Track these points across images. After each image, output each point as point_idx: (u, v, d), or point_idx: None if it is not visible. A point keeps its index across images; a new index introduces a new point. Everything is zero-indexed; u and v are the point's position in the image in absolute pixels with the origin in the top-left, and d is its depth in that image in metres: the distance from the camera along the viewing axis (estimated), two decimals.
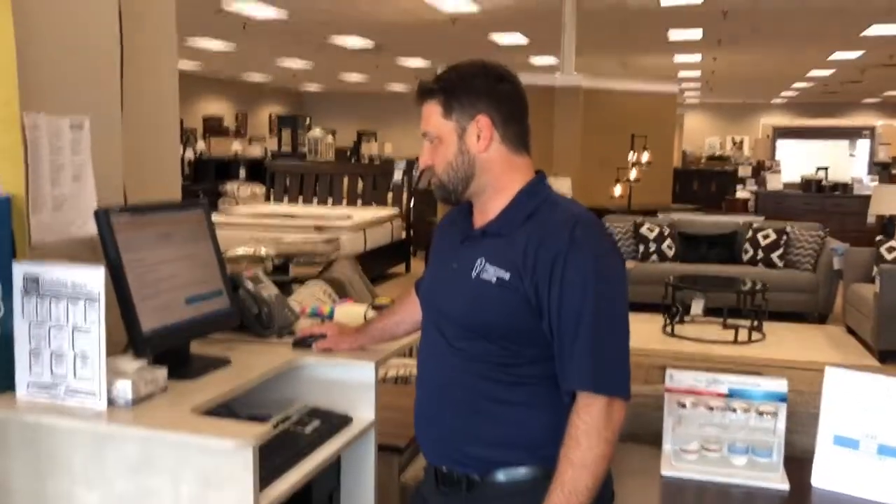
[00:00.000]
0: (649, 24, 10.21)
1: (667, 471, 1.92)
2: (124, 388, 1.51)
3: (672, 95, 9.76)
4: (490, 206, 1.53)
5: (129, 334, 1.64)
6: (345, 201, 10.65)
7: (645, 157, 8.61)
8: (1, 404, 1.53)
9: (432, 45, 12.44)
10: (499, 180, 1.52)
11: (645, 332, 6.58)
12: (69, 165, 1.75)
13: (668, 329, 6.77)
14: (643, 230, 7.65)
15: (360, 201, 10.71)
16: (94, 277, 1.48)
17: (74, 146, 1.76)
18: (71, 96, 1.77)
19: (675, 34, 11.06)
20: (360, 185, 10.99)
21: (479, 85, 1.51)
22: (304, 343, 1.96)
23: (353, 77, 17.97)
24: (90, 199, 1.80)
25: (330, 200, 10.57)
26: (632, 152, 8.65)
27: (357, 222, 8.91)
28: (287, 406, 1.90)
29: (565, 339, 1.40)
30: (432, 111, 1.53)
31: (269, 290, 2.16)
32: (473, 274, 1.48)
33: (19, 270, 1.54)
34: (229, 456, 1.40)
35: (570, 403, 1.41)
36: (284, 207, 10.13)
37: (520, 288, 1.43)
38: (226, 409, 1.70)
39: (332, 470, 1.93)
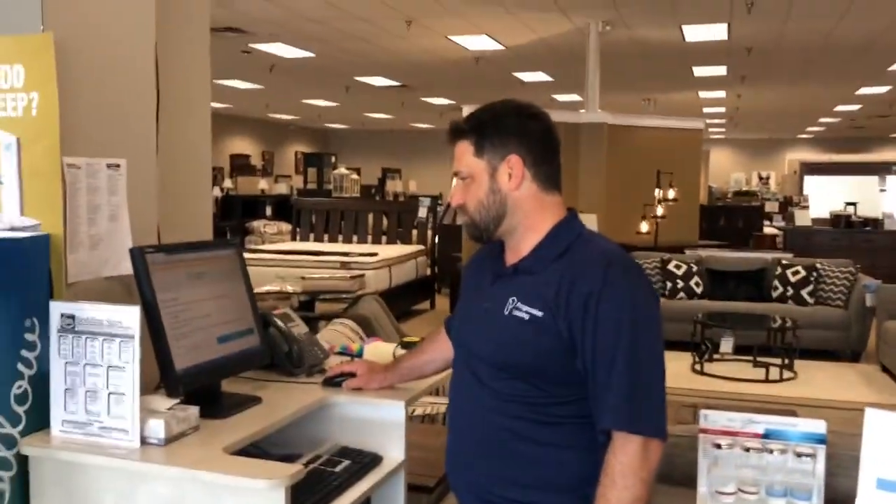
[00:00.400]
0: (674, 60, 10.26)
1: None
2: (157, 427, 1.52)
3: (698, 131, 9.73)
4: (522, 244, 1.54)
5: (162, 373, 1.65)
6: (370, 238, 10.72)
7: (671, 193, 8.57)
8: (36, 441, 1.55)
9: (457, 83, 12.58)
10: (530, 218, 1.53)
11: (673, 370, 6.43)
12: (106, 206, 1.78)
13: (697, 367, 6.67)
14: (670, 267, 7.60)
15: (384, 238, 10.77)
16: (130, 316, 1.50)
17: (111, 187, 1.80)
18: (108, 139, 1.81)
19: (700, 71, 11.09)
20: (385, 222, 11.05)
21: (510, 124, 1.53)
22: (334, 382, 1.96)
23: (378, 115, 18.19)
24: (125, 239, 1.82)
25: (355, 238, 10.64)
26: (657, 189, 8.62)
27: (382, 259, 8.94)
28: (317, 445, 1.90)
29: (600, 378, 1.39)
30: (464, 150, 1.54)
31: (299, 328, 2.17)
32: (505, 312, 1.48)
33: (56, 309, 1.56)
34: (262, 496, 1.39)
35: (606, 443, 1.39)
36: (310, 245, 10.20)
37: (553, 326, 1.42)
38: (256, 449, 1.70)
39: None
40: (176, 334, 1.66)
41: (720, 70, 10.99)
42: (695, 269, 7.57)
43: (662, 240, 8.65)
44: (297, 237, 10.99)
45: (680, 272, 7.56)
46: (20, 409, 1.54)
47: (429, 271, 10.33)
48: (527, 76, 11.78)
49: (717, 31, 8.51)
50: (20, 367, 1.55)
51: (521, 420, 1.47)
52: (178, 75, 2.18)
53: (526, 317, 1.45)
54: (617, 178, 8.81)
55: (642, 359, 1.40)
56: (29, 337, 1.56)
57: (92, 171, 1.74)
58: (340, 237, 10.75)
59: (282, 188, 17.73)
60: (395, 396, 1.92)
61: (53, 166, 1.60)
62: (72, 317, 1.54)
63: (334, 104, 15.95)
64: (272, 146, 20.29)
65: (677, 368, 6.60)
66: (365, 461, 1.83)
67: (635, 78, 11.67)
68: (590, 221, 7.45)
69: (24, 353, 1.55)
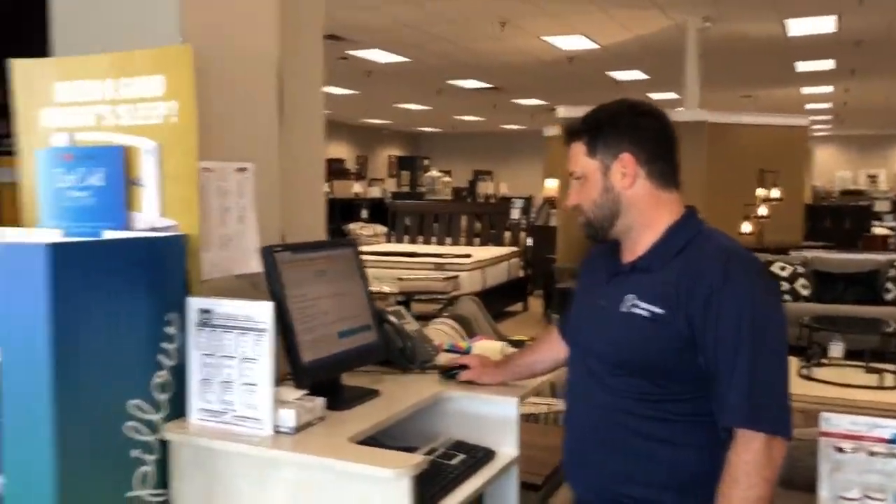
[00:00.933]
0: (776, 56, 9.92)
1: None
2: (288, 417, 1.60)
3: (802, 129, 9.37)
4: (639, 241, 1.54)
5: (290, 365, 1.73)
6: (463, 240, 10.80)
7: (774, 192, 8.29)
8: (175, 428, 1.65)
9: (549, 83, 12.53)
10: (646, 216, 1.53)
11: None
12: (235, 207, 1.88)
13: (805, 372, 6.42)
14: (774, 268, 7.35)
15: (477, 240, 10.83)
16: (263, 311, 1.59)
17: (240, 189, 1.90)
18: (236, 144, 1.92)
19: (804, 66, 10.67)
20: (478, 224, 11.11)
21: (622, 123, 1.54)
22: (449, 373, 2.01)
23: (469, 118, 18.29)
24: (253, 239, 1.92)
25: (448, 240, 10.74)
26: (760, 188, 8.36)
27: (476, 261, 8.99)
28: (432, 439, 1.95)
29: (722, 375, 1.38)
30: (578, 151, 1.56)
31: (411, 325, 2.23)
32: (622, 309, 1.49)
33: (194, 304, 1.66)
34: (388, 485, 1.45)
35: (727, 440, 1.38)
36: (405, 247, 10.37)
37: (672, 323, 1.42)
38: (373, 441, 1.76)
39: (476, 503, 1.95)
40: (302, 329, 1.74)
41: (827, 64, 10.54)
42: (800, 270, 7.30)
43: (766, 241, 8.37)
44: (392, 239, 11.19)
45: (785, 274, 7.31)
46: (161, 398, 1.65)
47: (521, 273, 10.33)
48: (621, 75, 11.61)
49: (824, 24, 8.18)
50: (161, 358, 1.66)
51: (637, 417, 1.47)
52: (295, 83, 2.28)
53: (646, 314, 1.45)
54: (717, 178, 8.58)
55: (765, 355, 1.38)
56: (169, 330, 1.67)
57: (223, 174, 1.84)
58: (434, 239, 10.88)
59: (375, 191, 18.05)
60: (509, 393, 1.95)
61: (190, 170, 1.71)
62: (208, 311, 1.64)
63: (426, 108, 16.15)
64: (366, 150, 20.69)
65: None
66: (479, 456, 1.87)
67: (734, 74, 11.33)
68: None
69: (165, 345, 1.66)
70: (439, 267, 8.63)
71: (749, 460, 1.35)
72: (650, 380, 1.45)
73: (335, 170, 18.28)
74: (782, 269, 7.33)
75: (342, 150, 19.60)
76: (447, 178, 16.78)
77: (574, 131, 1.58)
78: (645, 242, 1.52)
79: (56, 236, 1.79)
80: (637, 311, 1.46)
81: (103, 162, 1.77)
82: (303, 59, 2.42)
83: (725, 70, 10.69)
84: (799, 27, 8.33)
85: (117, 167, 1.75)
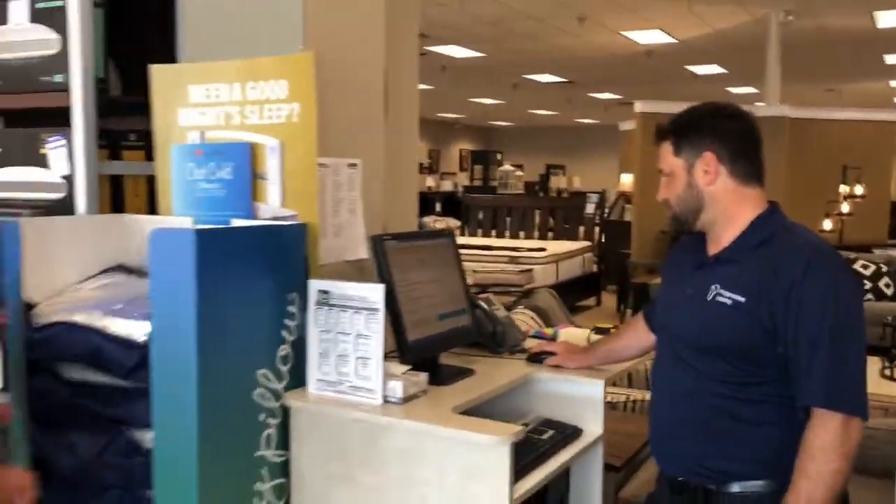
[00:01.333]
0: (863, 48, 9.66)
1: None
2: (396, 388, 1.77)
3: (890, 123, 9.11)
4: (723, 234, 1.65)
5: (397, 343, 1.91)
6: (536, 234, 10.89)
7: (858, 189, 8.11)
8: (296, 396, 1.85)
9: (625, 77, 12.48)
10: (728, 211, 1.64)
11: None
12: (346, 199, 2.07)
13: (887, 372, 6.31)
14: (857, 267, 7.21)
15: (550, 234, 10.90)
16: (376, 293, 1.77)
17: (350, 183, 2.08)
18: (348, 142, 2.10)
19: (894, 59, 10.35)
20: (551, 218, 11.17)
21: (705, 125, 1.65)
22: (536, 358, 2.15)
23: (543, 111, 18.31)
24: (361, 228, 2.10)
25: (521, 233, 10.84)
26: (843, 185, 8.19)
27: (550, 255, 9.09)
28: (522, 416, 2.10)
29: (802, 358, 1.48)
30: (666, 150, 1.69)
31: (501, 311, 2.38)
32: (708, 298, 1.60)
33: (314, 286, 1.85)
34: (489, 450, 1.60)
35: (805, 419, 1.48)
36: (479, 240, 10.52)
37: (754, 311, 1.53)
38: (470, 415, 1.92)
39: (563, 478, 2.09)
40: (408, 310, 1.91)
41: None
42: (884, 269, 7.15)
43: (848, 238, 8.21)
44: (466, 233, 11.36)
45: (868, 272, 7.17)
46: (284, 369, 1.85)
47: (595, 268, 10.36)
48: (700, 69, 11.49)
49: None
50: (284, 333, 1.85)
51: (721, 398, 1.58)
52: (393, 82, 2.45)
53: (729, 302, 1.56)
54: (798, 174, 8.45)
55: (844, 341, 1.48)
56: (291, 309, 1.86)
57: (336, 169, 2.03)
58: (507, 233, 11.00)
59: (447, 185, 18.26)
60: (595, 375, 2.08)
61: (310, 166, 1.90)
62: (327, 292, 1.83)
63: (500, 102, 16.25)
64: (438, 144, 20.93)
65: (870, 374, 6.26)
66: (567, 432, 2.01)
67: (817, 68, 11.08)
68: None
69: (287, 322, 1.86)
70: (513, 260, 8.76)
71: (827, 438, 1.45)
72: (733, 363, 1.56)
73: None
74: (865, 267, 7.19)
75: None
76: (519, 172, 16.85)
77: (663, 132, 1.70)
78: (729, 235, 1.63)
79: (188, 223, 2.01)
80: (721, 299, 1.57)
81: (232, 157, 1.97)
82: (401, 60, 2.59)
83: (808, 64, 10.47)
84: (890, 19, 8.12)
85: (244, 162, 1.95)
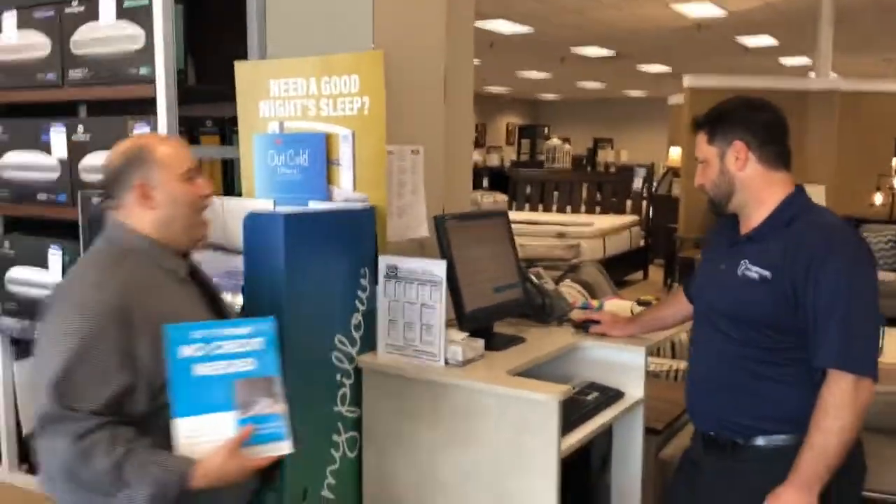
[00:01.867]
0: None
1: None
2: (457, 352, 1.99)
3: None
4: (753, 216, 1.82)
5: (456, 312, 2.12)
6: (583, 208, 10.99)
7: None
8: (367, 359, 2.08)
9: (675, 50, 12.40)
10: (758, 194, 1.81)
11: None
12: (409, 182, 2.28)
13: None
14: None
15: (598, 209, 10.98)
16: (439, 268, 1.98)
17: (413, 167, 2.29)
18: (412, 129, 2.31)
19: None
20: (598, 192, 11.25)
21: (736, 116, 1.82)
22: (583, 327, 2.35)
23: (591, 84, 18.23)
24: (422, 209, 2.32)
25: (568, 208, 10.95)
26: (895, 158, 8.12)
27: (597, 229, 9.20)
28: (568, 380, 2.30)
29: (818, 325, 1.66)
30: (701, 140, 1.87)
31: (549, 284, 2.58)
32: (738, 273, 1.78)
33: (383, 261, 2.08)
34: (541, 406, 1.81)
35: (822, 380, 1.66)
36: (527, 214, 10.67)
37: (779, 285, 1.70)
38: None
39: (606, 437, 2.29)
40: (466, 283, 2.12)
41: None
42: None
43: None
44: (513, 207, 11.51)
45: None
46: (356, 335, 2.08)
47: (642, 242, 10.43)
48: (751, 41, 11.35)
49: None
50: (357, 303, 2.08)
51: (749, 361, 1.77)
52: (451, 67, 2.63)
53: (756, 277, 1.74)
54: (849, 148, 8.38)
55: (858, 310, 1.65)
56: (363, 282, 2.09)
57: (401, 155, 2.24)
58: (554, 208, 11.12)
59: (494, 160, 18.35)
60: (637, 343, 2.28)
61: (379, 153, 2.11)
62: (395, 267, 2.05)
63: (547, 75, 16.25)
64: (485, 118, 21.00)
65: None
66: (610, 395, 2.21)
67: (874, 37, 10.85)
68: (817, 193, 7.22)
69: (359, 293, 2.09)
70: (561, 235, 8.90)
71: (839, 395, 1.63)
72: (759, 331, 1.75)
73: None
74: None
75: None
76: (567, 147, 16.86)
77: (698, 123, 1.88)
78: (758, 216, 1.81)
79: (270, 205, 2.24)
80: (749, 274, 1.75)
81: (308, 146, 2.19)
82: (458, 44, 2.76)
83: (864, 32, 10.28)
84: None
85: (320, 150, 2.17)
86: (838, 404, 1.63)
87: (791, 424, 1.72)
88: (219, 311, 1.73)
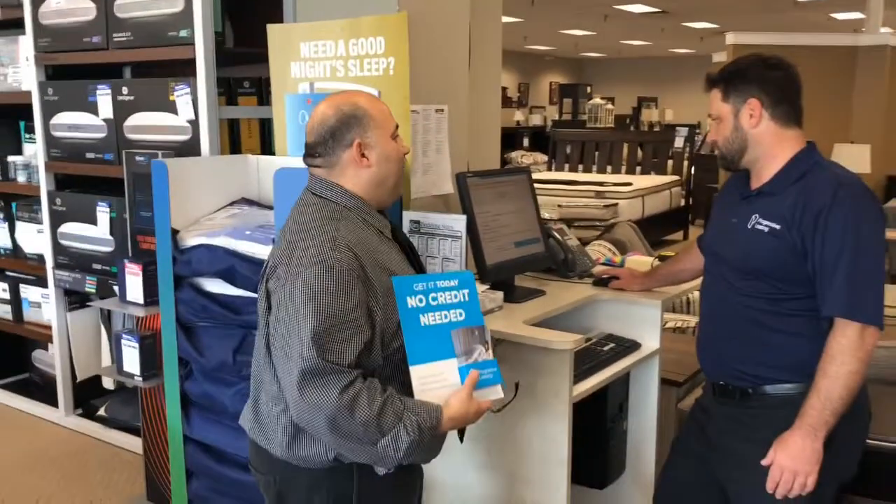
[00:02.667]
0: None
1: None
2: None
3: None
4: (764, 171, 1.86)
5: (477, 266, 2.21)
6: (624, 168, 10.91)
7: None
8: None
9: (722, 5, 12.11)
10: (770, 150, 1.84)
11: None
12: (434, 141, 2.36)
13: None
14: None
15: (639, 169, 10.90)
16: (459, 223, 2.07)
17: (438, 126, 2.37)
18: (436, 89, 2.38)
19: None
20: (640, 152, 11.15)
21: (751, 74, 1.85)
22: (602, 282, 2.42)
23: (635, 42, 17.92)
24: (447, 166, 2.40)
25: (609, 168, 10.89)
26: None
27: (636, 189, 9.15)
28: (587, 332, 2.39)
29: (826, 276, 1.71)
30: (715, 97, 1.90)
31: (572, 240, 2.65)
32: (749, 226, 1.83)
33: (407, 216, 2.17)
34: (554, 355, 1.91)
35: (829, 330, 1.71)
36: (566, 175, 10.64)
37: (788, 237, 1.75)
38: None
39: (623, 385, 2.38)
40: (487, 238, 2.21)
41: None
42: None
43: None
44: (553, 167, 11.48)
45: None
46: None
47: (683, 202, 10.35)
48: None
49: None
50: None
51: (760, 312, 1.83)
52: (477, 24, 2.68)
53: (766, 229, 1.79)
54: None
55: (864, 261, 1.69)
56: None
57: (426, 115, 2.32)
58: (594, 168, 11.07)
59: (536, 119, 18.21)
60: (654, 297, 2.34)
61: (404, 112, 2.19)
62: (418, 222, 2.15)
63: (591, 33, 16.01)
64: (528, 77, 20.82)
65: None
66: (626, 345, 2.29)
67: None
68: (862, 153, 7.11)
69: None
70: (599, 195, 8.88)
71: (845, 343, 1.68)
72: (768, 282, 1.80)
73: None
74: None
75: (505, 79, 19.82)
76: (609, 106, 16.66)
77: (713, 80, 1.91)
78: (769, 172, 1.85)
79: (300, 163, 2.34)
80: (759, 227, 1.80)
81: None
82: (485, 3, 2.81)
83: None
84: None
85: None
86: (844, 351, 1.68)
87: (799, 373, 1.78)
88: (420, 268, 1.78)
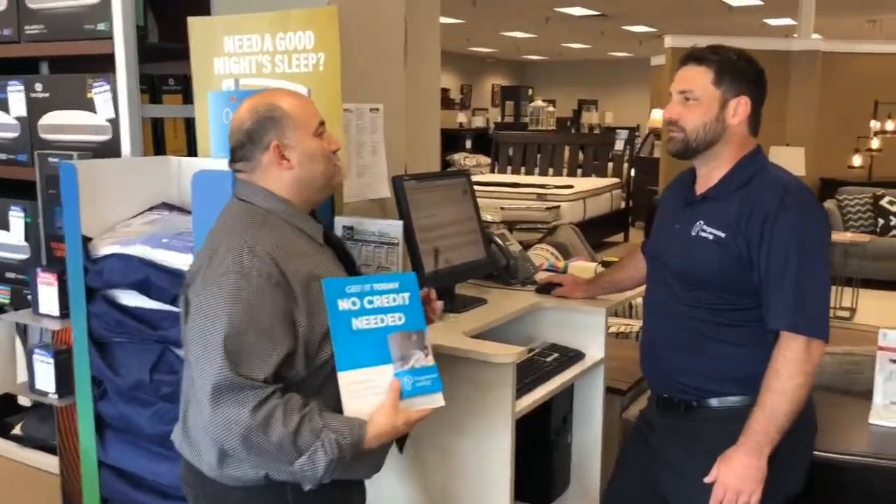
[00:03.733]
0: None
1: (875, 420, 2.08)
2: None
3: None
4: (713, 173, 1.79)
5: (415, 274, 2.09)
6: (565, 171, 10.94)
7: (889, 125, 8.03)
8: None
9: (659, 10, 12.26)
10: (730, 152, 1.76)
11: (879, 308, 6.29)
12: (369, 142, 2.24)
13: None
14: (884, 203, 7.23)
15: (580, 171, 10.94)
16: (395, 228, 1.95)
17: (373, 126, 2.25)
18: (371, 87, 2.26)
19: None
20: (581, 154, 11.20)
21: (748, 70, 1.76)
22: (545, 289, 2.33)
23: (576, 45, 18.06)
24: (383, 169, 2.28)
25: (551, 170, 10.91)
26: (874, 121, 8.11)
27: (577, 192, 9.18)
28: (530, 341, 2.30)
29: (771, 286, 1.64)
30: (700, 74, 1.73)
31: (514, 245, 2.56)
32: (693, 233, 1.76)
33: (340, 222, 2.05)
34: (495, 370, 1.81)
35: (774, 342, 1.65)
36: (508, 177, 10.62)
37: (732, 245, 1.68)
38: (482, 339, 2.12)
39: (567, 396, 2.30)
40: (425, 244, 2.09)
41: None
42: None
43: (878, 175, 8.18)
44: (496, 170, 11.46)
45: (894, 208, 7.18)
46: None
47: (623, 204, 10.43)
48: (735, 0, 11.24)
49: None
50: None
51: (704, 322, 1.75)
52: (414, 22, 2.57)
53: (710, 237, 1.72)
54: (830, 110, 8.38)
55: (809, 272, 1.63)
56: None
57: (359, 114, 2.20)
58: (537, 170, 11.08)
59: (479, 121, 18.21)
60: (598, 304, 2.27)
61: (336, 111, 2.06)
62: (351, 228, 2.02)
63: (532, 36, 16.07)
64: (470, 79, 20.80)
65: (884, 308, 6.37)
66: (570, 355, 2.20)
67: None
68: (797, 155, 7.24)
69: None
70: (541, 197, 8.88)
71: (790, 357, 1.62)
72: (713, 292, 1.73)
73: (441, 99, 18.52)
74: (891, 203, 7.21)
75: (447, 80, 19.78)
76: (551, 108, 16.76)
77: (704, 57, 1.75)
78: (718, 175, 1.77)
79: (226, 164, 2.19)
80: (703, 234, 1.73)
81: None
82: (423, 1, 2.71)
83: None
84: None
85: None
86: (790, 365, 1.62)
87: (745, 386, 1.71)
88: (356, 274, 1.68)
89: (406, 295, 1.49)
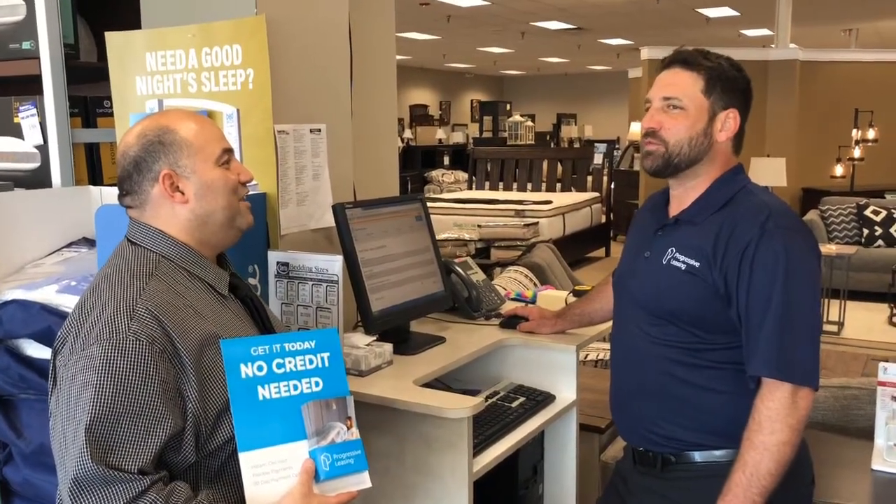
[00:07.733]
0: None
1: (878, 465, 1.86)
2: (358, 361, 1.74)
3: None
4: (689, 194, 1.57)
5: (360, 314, 1.87)
6: (544, 186, 10.76)
7: (870, 133, 7.91)
8: None
9: (636, 23, 12.18)
10: (710, 172, 1.55)
11: (866, 321, 6.13)
12: (310, 166, 2.01)
13: (895, 320, 6.25)
14: (867, 213, 7.09)
15: (559, 186, 10.77)
16: (334, 264, 1.73)
17: (314, 149, 2.02)
18: (310, 106, 2.04)
19: None
20: (560, 169, 11.03)
21: (741, 81, 1.56)
22: (510, 323, 2.11)
23: (553, 59, 17.97)
24: (327, 196, 2.05)
25: (529, 185, 10.73)
26: (855, 129, 7.99)
27: (556, 207, 8.99)
28: (494, 382, 2.07)
29: (752, 326, 1.42)
30: (688, 80, 1.52)
31: (477, 275, 2.34)
32: (664, 262, 1.54)
33: (273, 257, 1.82)
34: (448, 425, 1.58)
35: (756, 389, 1.43)
36: (486, 193, 10.42)
37: (708, 276, 1.46)
38: (440, 383, 1.89)
39: (537, 443, 2.07)
40: (372, 280, 1.87)
41: None
42: None
43: (860, 184, 8.06)
44: (474, 186, 11.26)
45: (878, 218, 7.04)
46: None
47: (604, 218, 10.26)
48: (712, 12, 11.15)
49: None
50: None
51: (677, 364, 1.52)
52: (365, 37, 2.36)
53: (683, 266, 1.50)
54: (809, 119, 8.27)
55: (795, 308, 1.40)
56: (251, 281, 1.83)
57: (298, 135, 1.97)
58: (515, 185, 10.89)
59: (458, 137, 18.06)
60: (567, 341, 2.05)
61: (267, 133, 1.84)
62: (286, 264, 1.79)
63: (510, 51, 15.95)
64: (449, 95, 20.66)
65: (872, 321, 6.21)
66: (539, 399, 1.98)
67: (833, 8, 10.72)
68: (777, 166, 7.09)
69: None
70: (519, 213, 8.67)
71: (773, 408, 1.39)
72: (688, 330, 1.50)
73: (418, 116, 18.37)
74: (875, 213, 7.06)
75: (425, 96, 19.63)
76: (529, 123, 16.63)
77: (693, 61, 1.53)
78: (694, 195, 1.56)
79: None
80: (675, 263, 1.51)
81: None
82: (377, 14, 2.50)
83: (823, 3, 10.13)
84: None
85: None
86: (774, 417, 1.39)
87: (728, 438, 1.48)
88: (269, 331, 1.43)
89: (325, 355, 1.27)
